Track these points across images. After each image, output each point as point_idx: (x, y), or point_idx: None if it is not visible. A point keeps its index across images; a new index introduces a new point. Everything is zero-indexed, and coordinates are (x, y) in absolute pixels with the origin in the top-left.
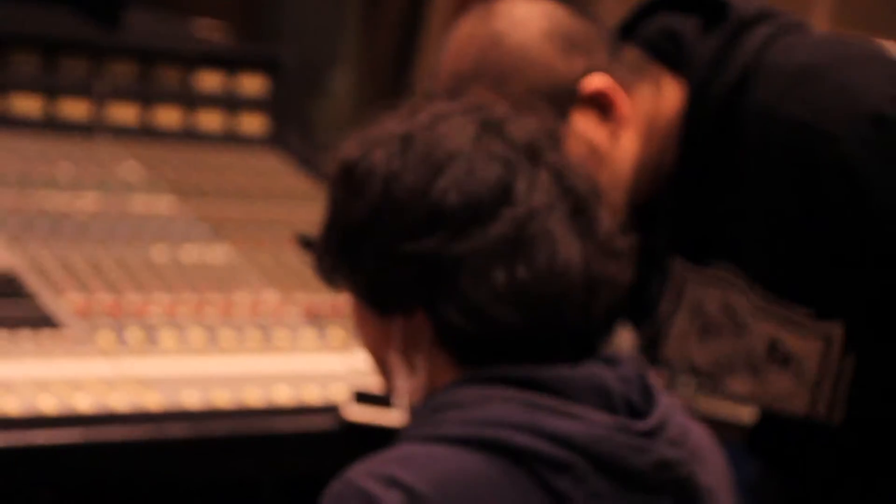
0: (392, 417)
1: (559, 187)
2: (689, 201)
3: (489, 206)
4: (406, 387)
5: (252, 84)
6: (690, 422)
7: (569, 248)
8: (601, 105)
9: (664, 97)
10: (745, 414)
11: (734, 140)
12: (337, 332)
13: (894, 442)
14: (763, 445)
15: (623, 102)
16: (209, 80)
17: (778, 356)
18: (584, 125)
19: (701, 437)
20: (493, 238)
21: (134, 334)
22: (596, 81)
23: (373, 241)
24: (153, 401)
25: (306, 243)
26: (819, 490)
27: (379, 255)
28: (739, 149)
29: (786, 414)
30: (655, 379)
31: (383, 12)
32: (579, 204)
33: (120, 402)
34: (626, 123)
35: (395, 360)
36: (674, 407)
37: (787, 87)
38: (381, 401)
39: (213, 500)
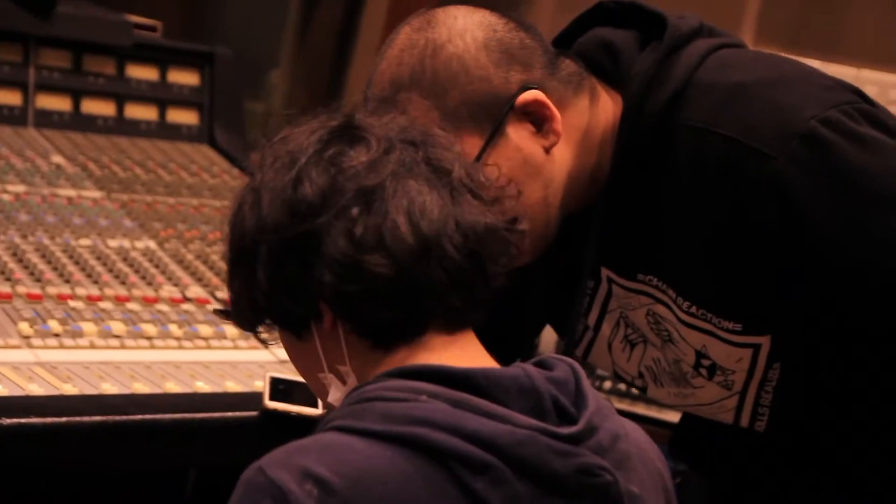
0: (311, 409)
1: (413, 150)
2: (619, 214)
3: (334, 174)
4: (340, 397)
5: (185, 79)
6: (626, 427)
7: (426, 194)
8: (536, 119)
9: (600, 110)
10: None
11: (666, 155)
12: None
13: (814, 446)
14: (685, 448)
15: (557, 116)
16: (142, 73)
17: (704, 367)
18: (518, 138)
19: (637, 441)
20: (343, 198)
21: (55, 323)
22: (531, 95)
23: (257, 257)
24: (72, 389)
25: (222, 313)
26: (738, 489)
27: (264, 266)
28: (671, 164)
29: (710, 421)
30: (588, 383)
31: (320, 17)
32: (436, 161)
33: (38, 389)
34: (560, 137)
35: (327, 378)
36: (607, 412)
37: (720, 105)
38: (299, 388)
39: (135, 490)
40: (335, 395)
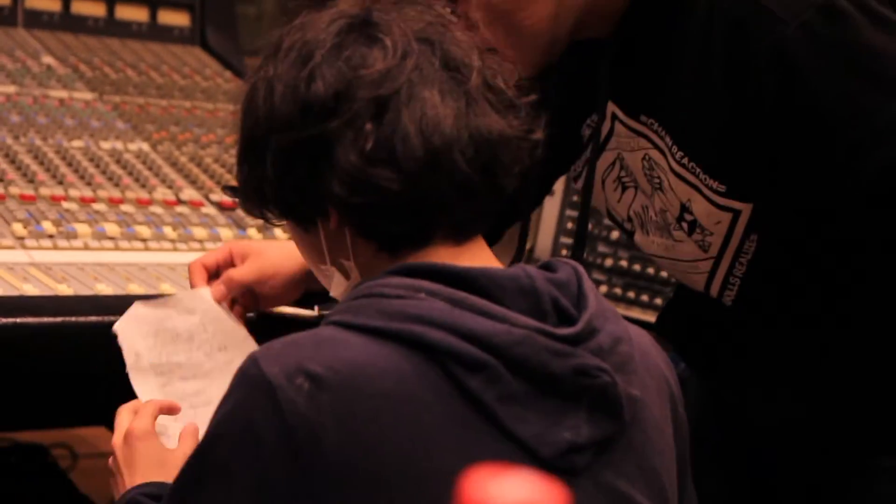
0: (306, 309)
1: (430, 51)
2: (631, 50)
3: (348, 78)
4: (342, 292)
5: None
6: (630, 331)
7: (439, 104)
8: None
9: None
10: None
11: (684, 3)
12: (253, 229)
13: (779, 327)
14: (667, 326)
15: None
16: None
17: (686, 221)
18: None
19: (642, 346)
20: (356, 105)
21: (49, 224)
22: None
23: (267, 150)
24: (67, 289)
25: (231, 190)
26: (711, 368)
27: (273, 161)
28: (688, 10)
29: (686, 284)
30: (591, 285)
31: None
32: (454, 63)
33: (33, 290)
34: None
35: (330, 270)
36: (609, 314)
37: None
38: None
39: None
40: (337, 288)
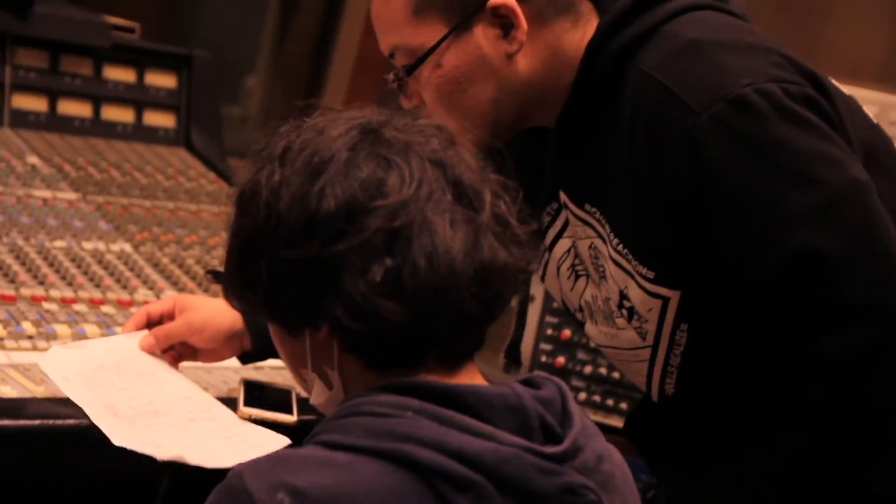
0: (285, 415)
1: (443, 178)
2: (572, 139)
3: (363, 203)
4: (323, 402)
5: (163, 81)
6: (608, 448)
7: (450, 238)
8: (505, 23)
9: (579, 35)
10: None
11: (616, 92)
12: None
13: (717, 420)
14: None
15: (522, 26)
16: (119, 75)
17: (625, 307)
18: (482, 37)
19: (619, 464)
20: (368, 234)
21: (28, 325)
22: (502, 0)
23: (263, 256)
24: (45, 391)
25: (215, 275)
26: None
27: (271, 269)
28: (619, 102)
29: (631, 378)
30: (575, 403)
31: (298, 22)
32: (465, 192)
33: (11, 392)
34: (523, 45)
35: (311, 377)
36: (591, 432)
37: (670, 55)
38: (274, 393)
39: (110, 495)
40: (318, 397)
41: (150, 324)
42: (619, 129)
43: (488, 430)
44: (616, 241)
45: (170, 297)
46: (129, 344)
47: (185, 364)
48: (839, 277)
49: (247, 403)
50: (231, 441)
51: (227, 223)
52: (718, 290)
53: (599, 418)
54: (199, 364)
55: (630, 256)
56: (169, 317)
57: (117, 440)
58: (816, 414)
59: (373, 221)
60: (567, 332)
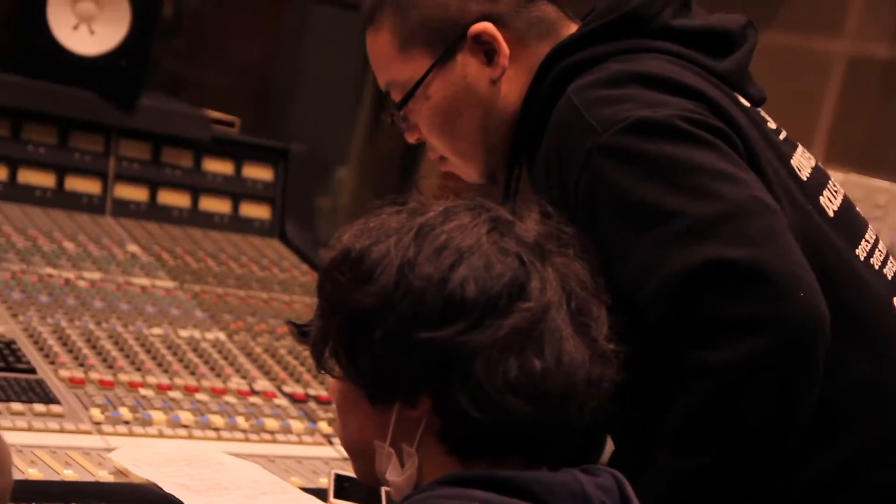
0: None
1: (562, 288)
2: (519, 159)
3: (506, 300)
4: (394, 478)
5: (260, 174)
6: None
7: (574, 347)
8: (488, 50)
9: None
10: None
11: (549, 107)
12: (324, 423)
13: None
14: None
15: (504, 51)
16: (218, 167)
17: None
18: (465, 65)
19: None
20: (507, 330)
21: (125, 410)
22: (480, 26)
23: (384, 327)
24: (141, 477)
25: (299, 330)
26: None
27: (390, 341)
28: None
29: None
30: (632, 492)
31: None
32: (580, 305)
33: (108, 476)
34: (505, 70)
35: (387, 451)
36: None
37: (594, 82)
38: (363, 487)
39: None
40: (395, 475)
41: None
42: (543, 148)
43: None
44: None
45: None
46: (194, 447)
47: (274, 453)
48: (729, 292)
49: (336, 495)
50: None
51: (323, 282)
52: (627, 307)
53: None
54: (288, 454)
55: None
56: None
57: (189, 502)
58: (688, 425)
59: (513, 320)
60: None
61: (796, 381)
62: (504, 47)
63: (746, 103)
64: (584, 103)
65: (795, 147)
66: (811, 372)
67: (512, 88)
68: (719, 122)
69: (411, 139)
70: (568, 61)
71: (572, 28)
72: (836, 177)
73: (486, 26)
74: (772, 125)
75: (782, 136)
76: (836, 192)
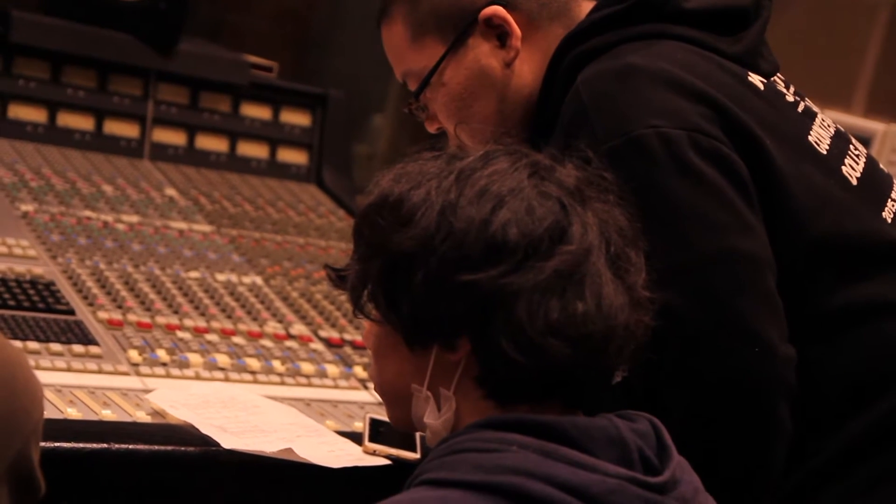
0: (409, 452)
1: (602, 233)
2: (538, 146)
3: (547, 243)
4: (432, 422)
5: (297, 119)
6: (698, 481)
7: (613, 291)
8: (501, 33)
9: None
10: None
11: (562, 99)
12: (359, 367)
13: None
14: None
15: (516, 33)
16: (256, 112)
17: None
18: (478, 50)
19: (707, 500)
20: (549, 273)
21: (163, 353)
22: (490, 10)
23: (425, 269)
24: (178, 419)
25: (336, 274)
26: None
27: (430, 284)
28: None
29: None
30: (668, 437)
31: None
32: (618, 251)
33: (145, 417)
34: (518, 52)
35: (424, 395)
36: (685, 466)
37: (602, 73)
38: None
39: None
40: (430, 417)
41: None
42: (552, 141)
43: (592, 461)
44: None
45: None
46: (231, 389)
47: (310, 397)
48: (681, 343)
49: (371, 439)
50: (335, 453)
51: (361, 225)
52: None
53: None
54: (324, 397)
55: None
56: None
57: (227, 444)
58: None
59: (555, 263)
60: None
61: (745, 435)
62: (516, 29)
63: (760, 83)
64: (591, 99)
65: (814, 117)
66: (761, 426)
67: (526, 70)
68: (725, 136)
69: (431, 129)
70: (582, 48)
71: (585, 6)
72: (877, 128)
73: (497, 9)
74: (790, 98)
75: (801, 107)
76: (857, 155)
